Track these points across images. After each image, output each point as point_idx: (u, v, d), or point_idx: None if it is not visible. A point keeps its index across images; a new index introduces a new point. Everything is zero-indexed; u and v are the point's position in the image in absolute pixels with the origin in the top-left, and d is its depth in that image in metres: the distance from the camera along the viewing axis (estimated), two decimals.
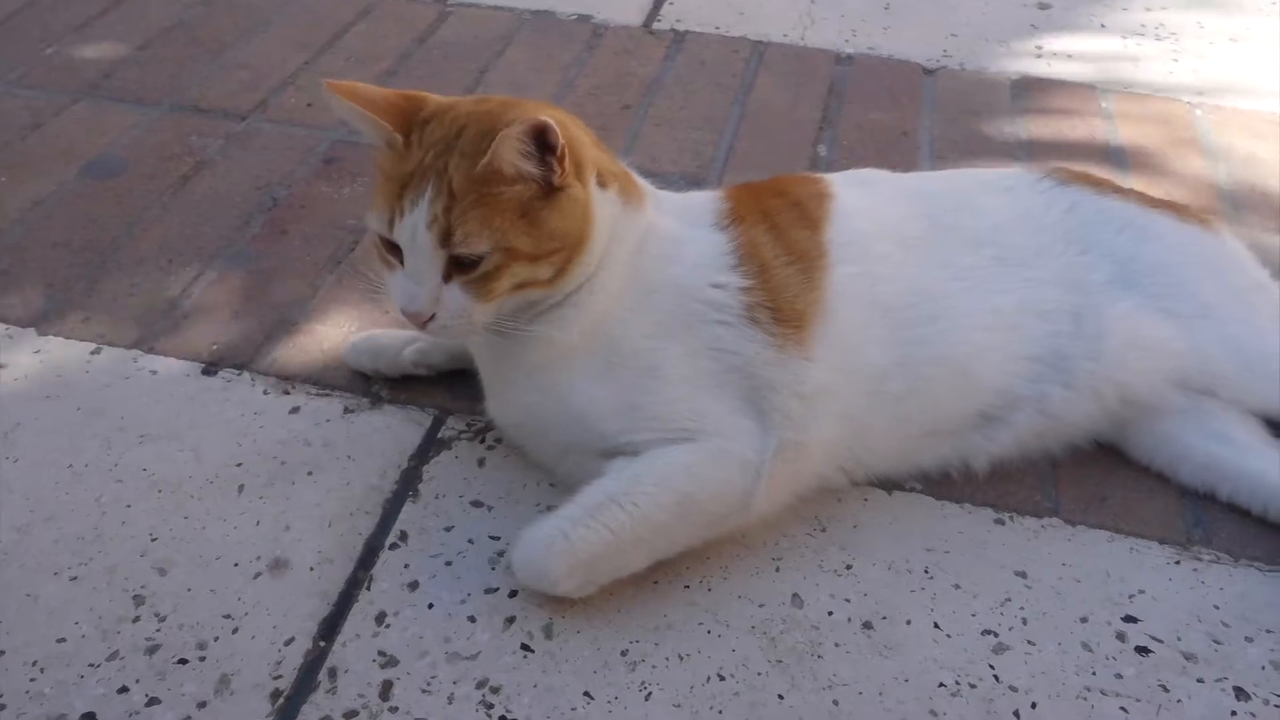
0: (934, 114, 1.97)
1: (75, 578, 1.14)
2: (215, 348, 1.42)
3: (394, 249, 1.09)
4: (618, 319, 1.15)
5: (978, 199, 1.35)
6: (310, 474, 1.26)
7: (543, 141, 1.04)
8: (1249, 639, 1.11)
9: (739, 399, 1.14)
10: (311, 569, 1.15)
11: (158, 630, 1.09)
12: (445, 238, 1.05)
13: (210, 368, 1.40)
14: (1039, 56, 2.16)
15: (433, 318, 1.08)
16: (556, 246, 1.08)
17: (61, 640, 1.08)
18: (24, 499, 1.22)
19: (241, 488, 1.24)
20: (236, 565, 1.15)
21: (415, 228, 1.05)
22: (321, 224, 1.65)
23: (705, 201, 1.26)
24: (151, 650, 1.07)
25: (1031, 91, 2.04)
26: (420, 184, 1.06)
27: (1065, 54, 2.17)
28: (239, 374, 1.39)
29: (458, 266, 1.07)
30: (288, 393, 1.36)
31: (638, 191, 1.20)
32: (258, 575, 1.14)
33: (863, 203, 1.30)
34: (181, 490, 1.23)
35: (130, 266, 1.56)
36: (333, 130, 1.86)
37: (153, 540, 1.18)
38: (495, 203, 1.05)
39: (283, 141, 1.83)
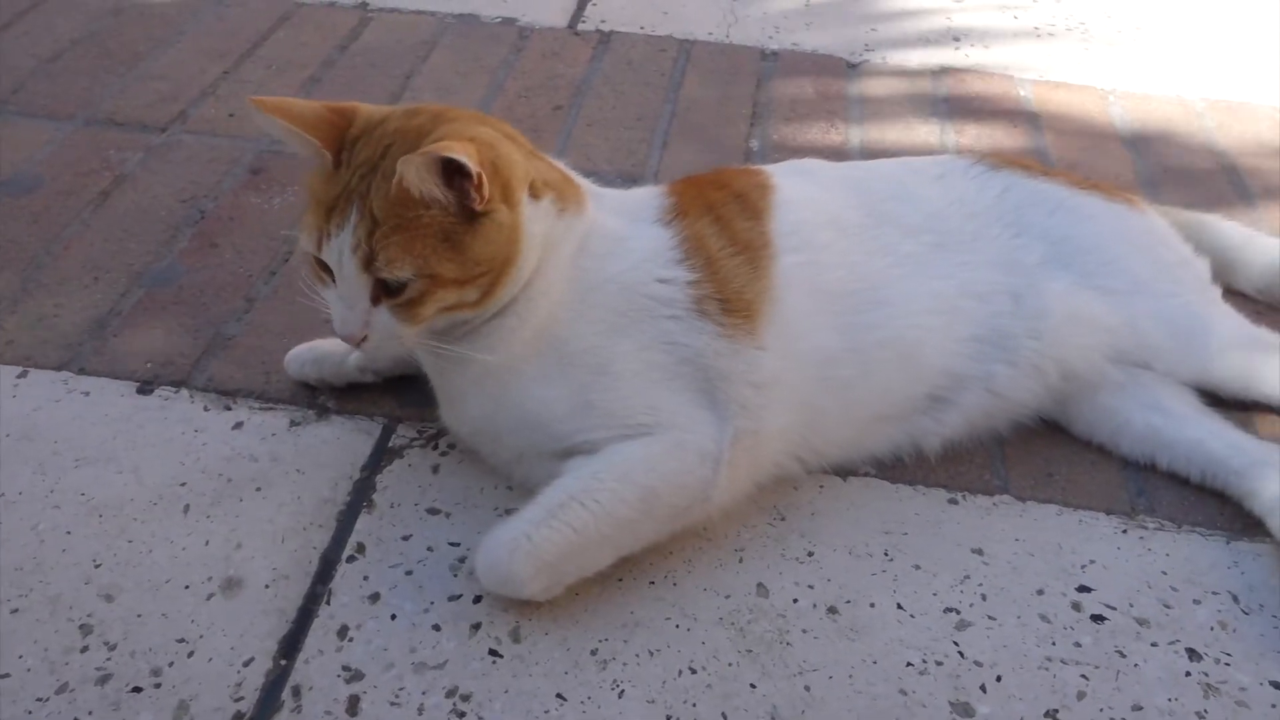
0: (860, 106, 2.00)
1: (16, 610, 1.09)
2: (149, 366, 1.38)
3: (327, 266, 1.08)
4: (564, 321, 1.14)
5: (913, 187, 1.37)
6: (259, 490, 1.22)
7: (454, 169, 1.02)
8: (1196, 601, 1.15)
9: (693, 390, 1.14)
10: (267, 587, 1.12)
11: (108, 659, 1.05)
12: (368, 262, 1.04)
13: (145, 386, 1.35)
14: (957, 48, 2.21)
15: (365, 338, 1.08)
16: (482, 270, 1.07)
17: (4, 676, 1.03)
18: None
19: (187, 508, 1.20)
20: (187, 587, 1.12)
21: (341, 251, 1.05)
22: (253, 235, 1.61)
23: (647, 197, 1.26)
24: (103, 680, 1.03)
25: (952, 82, 2.08)
26: (346, 207, 1.05)
27: (982, 45, 2.22)
28: (176, 391, 1.35)
29: (385, 290, 1.06)
30: (229, 408, 1.33)
31: (576, 194, 1.19)
32: (210, 596, 1.11)
33: (803, 193, 1.31)
34: (124, 513, 1.19)
35: (53, 286, 1.50)
36: (257, 140, 1.81)
37: (96, 566, 1.13)
38: (415, 228, 1.03)
39: (206, 153, 1.78)
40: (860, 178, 1.39)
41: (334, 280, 1.08)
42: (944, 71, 2.11)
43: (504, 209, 1.07)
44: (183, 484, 1.23)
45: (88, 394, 1.34)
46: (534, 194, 1.12)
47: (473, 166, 1.00)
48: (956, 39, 2.25)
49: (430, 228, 1.04)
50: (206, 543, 1.16)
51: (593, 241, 1.17)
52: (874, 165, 1.48)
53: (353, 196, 1.05)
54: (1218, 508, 1.25)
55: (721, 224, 1.22)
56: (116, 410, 1.31)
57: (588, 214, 1.18)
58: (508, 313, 1.12)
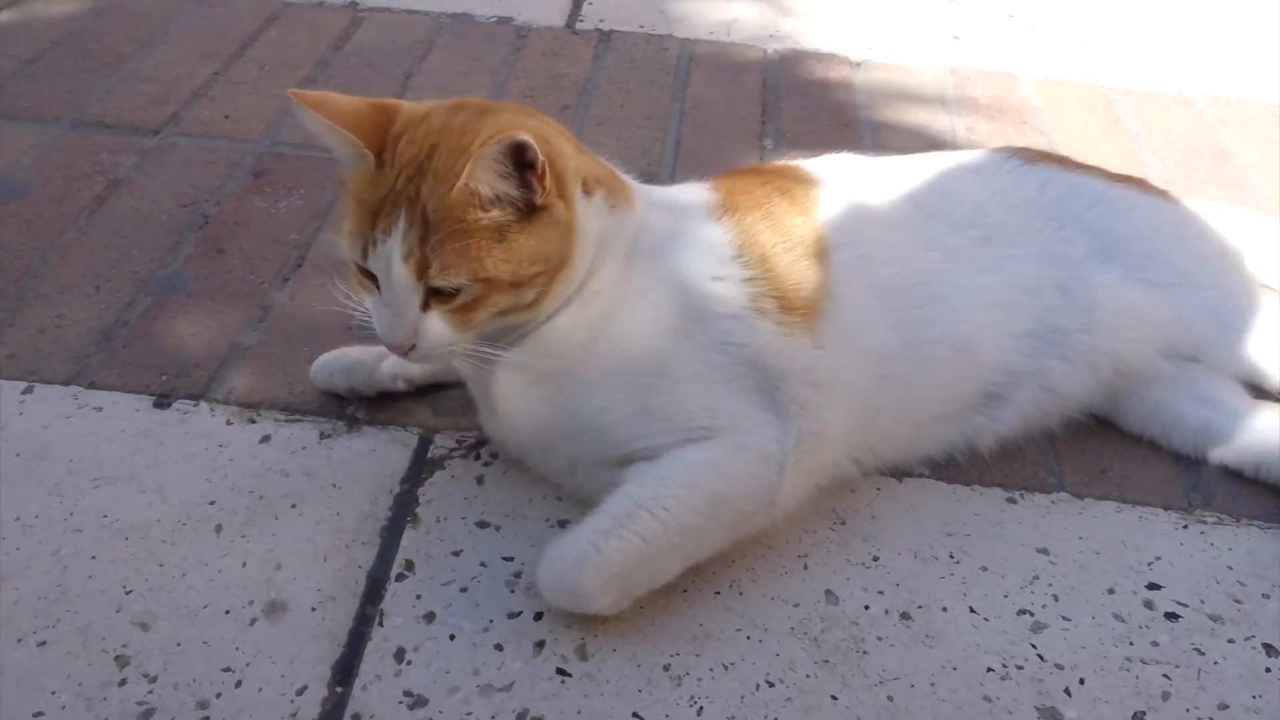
0: (869, 104, 1.97)
1: (44, 642, 1.01)
2: (164, 378, 1.31)
3: (370, 273, 1.02)
4: (619, 321, 1.09)
5: (953, 180, 1.35)
6: (294, 506, 1.16)
7: (520, 160, 0.97)
8: (1266, 596, 1.13)
9: (753, 392, 1.10)
10: (313, 609, 1.06)
11: (149, 693, 0.98)
12: (422, 270, 0.98)
13: (162, 400, 1.28)
14: (957, 46, 2.20)
15: (413, 346, 1.02)
16: (538, 271, 1.02)
17: (38, 715, 0.95)
18: None
19: (219, 527, 1.13)
20: (228, 612, 1.05)
21: (390, 259, 0.98)
22: (261, 240, 1.54)
23: (694, 193, 1.22)
24: (146, 715, 0.96)
25: (956, 79, 2.07)
26: (393, 211, 0.99)
27: (982, 42, 2.21)
28: (195, 405, 1.27)
29: (436, 295, 1.00)
30: (254, 421, 1.26)
31: (625, 191, 1.14)
32: (254, 621, 1.04)
33: (847, 187, 1.28)
34: (151, 535, 1.12)
35: (52, 296, 1.42)
36: (257, 141, 1.74)
37: (127, 593, 1.06)
38: (471, 232, 0.98)
39: (203, 156, 1.71)
40: (900, 172, 1.36)
41: (378, 287, 1.02)
42: (948, 67, 2.10)
43: (560, 204, 1.02)
44: (212, 502, 1.16)
45: (100, 409, 1.26)
46: (586, 190, 1.07)
47: (538, 153, 0.95)
48: (956, 37, 2.23)
49: (486, 230, 0.99)
50: (244, 564, 1.09)
51: (644, 239, 1.13)
52: (912, 159, 1.45)
53: (400, 200, 0.99)
54: (1273, 501, 1.24)
55: (772, 220, 1.18)
56: (133, 426, 1.24)
57: (637, 211, 1.14)
58: (561, 315, 1.07)
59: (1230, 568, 1.16)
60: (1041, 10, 2.38)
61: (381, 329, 1.03)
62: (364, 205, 1.01)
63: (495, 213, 0.98)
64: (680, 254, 1.13)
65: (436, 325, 1.02)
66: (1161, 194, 1.43)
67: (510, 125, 1.00)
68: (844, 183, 1.29)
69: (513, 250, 1.00)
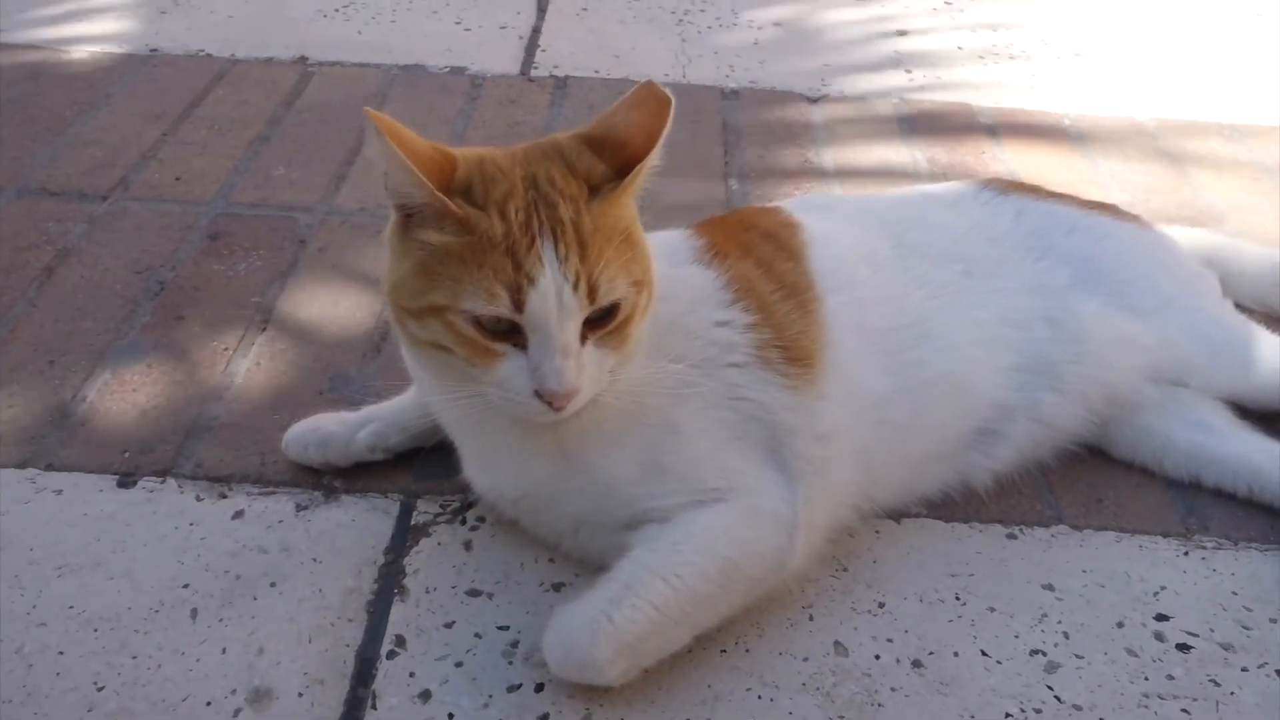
0: (828, 138, 1.97)
1: None
2: (127, 455, 1.24)
3: (498, 335, 0.94)
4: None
5: (931, 215, 1.34)
6: (273, 585, 1.10)
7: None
8: (1273, 620, 1.12)
9: (760, 449, 1.07)
10: (300, 695, 1.00)
11: None
12: (593, 295, 0.93)
13: (127, 478, 1.21)
14: (910, 80, 2.21)
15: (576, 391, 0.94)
16: (642, 255, 0.99)
17: None
18: None
19: (195, 612, 1.07)
20: (209, 704, 0.99)
21: (559, 293, 0.91)
22: (221, 304, 1.48)
23: (678, 239, 1.19)
24: None
25: (913, 111, 2.08)
26: (532, 246, 0.91)
27: (934, 75, 2.23)
28: (162, 482, 1.21)
29: (588, 324, 0.95)
30: (225, 496, 1.20)
31: None
32: (238, 711, 0.98)
33: (829, 228, 1.26)
34: (122, 625, 1.05)
35: (2, 375, 1.35)
36: (211, 203, 1.69)
37: (99, 690, 0.99)
38: (614, 236, 0.95)
39: (156, 220, 1.65)
40: (877, 209, 1.36)
41: (516, 346, 0.94)
42: (903, 102, 2.11)
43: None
44: (185, 585, 1.10)
45: (60, 492, 1.19)
46: None
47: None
48: (908, 72, 2.25)
49: (619, 229, 0.96)
50: (224, 650, 1.03)
51: None
52: (886, 195, 1.45)
53: (530, 236, 0.92)
54: (1269, 522, 1.23)
55: (763, 266, 1.15)
56: (97, 508, 1.18)
57: None
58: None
59: (1235, 593, 1.15)
60: (990, 43, 2.40)
61: (551, 381, 0.92)
62: (481, 252, 0.92)
63: (624, 210, 0.97)
64: (679, 298, 1.09)
65: (595, 356, 0.95)
66: (1134, 219, 1.44)
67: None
68: (824, 224, 1.27)
69: (630, 241, 0.97)
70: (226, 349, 1.41)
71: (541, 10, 2.44)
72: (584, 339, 0.94)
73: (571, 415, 0.95)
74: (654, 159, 0.96)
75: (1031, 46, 2.39)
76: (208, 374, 1.36)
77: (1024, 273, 1.29)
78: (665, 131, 0.96)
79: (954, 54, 2.35)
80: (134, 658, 1.02)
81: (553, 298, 0.91)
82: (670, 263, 1.13)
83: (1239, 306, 1.49)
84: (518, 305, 0.91)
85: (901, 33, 2.43)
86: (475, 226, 0.92)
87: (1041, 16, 2.54)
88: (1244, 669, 1.07)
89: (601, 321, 0.95)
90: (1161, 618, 1.12)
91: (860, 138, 1.98)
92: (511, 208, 0.93)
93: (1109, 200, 1.55)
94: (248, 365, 1.38)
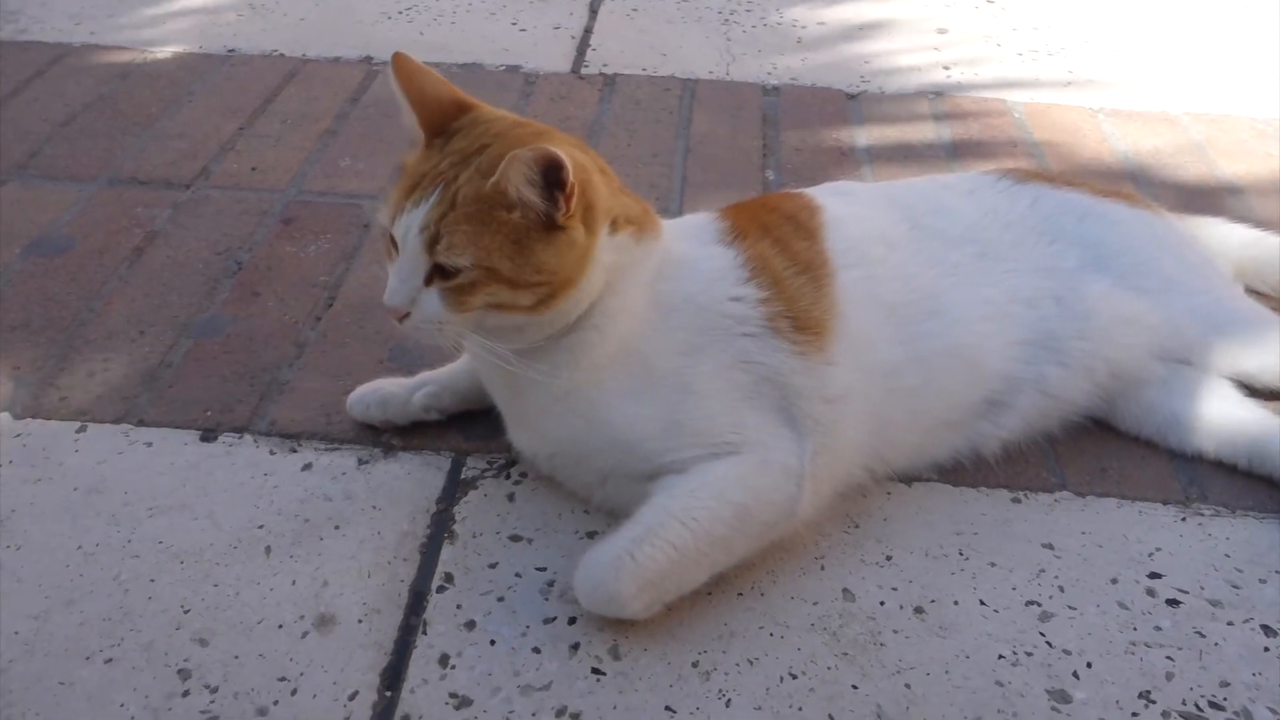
0: (866, 134, 2.06)
1: (110, 659, 1.08)
2: (209, 414, 1.38)
3: (396, 246, 1.12)
4: (647, 338, 1.16)
5: (948, 201, 1.42)
6: (337, 528, 1.23)
7: (553, 176, 1.05)
8: (1263, 580, 1.19)
9: (772, 409, 1.17)
10: (360, 621, 1.12)
11: (211, 702, 1.04)
12: (432, 244, 1.07)
13: (208, 434, 1.35)
14: (948, 77, 2.29)
15: (407, 315, 1.10)
16: (541, 280, 1.09)
17: None
18: (35, 586, 1.15)
19: (268, 549, 1.20)
20: (281, 627, 1.12)
21: (409, 228, 1.08)
22: (293, 283, 1.62)
23: (704, 221, 1.30)
24: None
25: (949, 107, 2.15)
26: (428, 188, 1.09)
27: (972, 72, 2.30)
28: (240, 437, 1.35)
29: (440, 273, 1.09)
30: (295, 450, 1.33)
31: (654, 223, 1.22)
32: (305, 634, 1.11)
33: (848, 211, 1.35)
34: (205, 558, 1.19)
35: (99, 341, 1.50)
36: (284, 191, 1.83)
37: (185, 612, 1.13)
38: (490, 223, 1.07)
39: (235, 206, 1.80)
40: (897, 195, 1.44)
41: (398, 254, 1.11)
42: (940, 98, 2.19)
43: (581, 230, 1.10)
44: (260, 526, 1.23)
45: (150, 445, 1.34)
46: (614, 228, 1.15)
47: (571, 174, 1.04)
48: (946, 68, 2.33)
49: (505, 227, 1.07)
50: (293, 582, 1.16)
51: (666, 266, 1.20)
52: (907, 183, 1.53)
53: (438, 180, 1.09)
54: (1267, 492, 1.30)
55: (780, 245, 1.25)
56: (182, 459, 1.31)
57: (663, 241, 1.21)
58: (586, 327, 1.14)
59: (1228, 555, 1.22)
60: (1028, 39, 2.47)
61: (386, 292, 1.11)
62: (408, 178, 1.12)
63: (517, 215, 1.06)
64: (699, 276, 1.20)
65: (432, 301, 1.09)
66: (1149, 206, 1.50)
67: (560, 144, 1.09)
68: (845, 207, 1.37)
69: (523, 253, 1.08)
70: (297, 322, 1.54)
71: (593, 11, 2.57)
72: (430, 281, 1.09)
73: (414, 335, 1.12)
74: (504, 184, 1.06)
75: (1072, 42, 2.45)
76: (280, 344, 1.50)
77: (1035, 255, 1.37)
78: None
79: (993, 50, 2.41)
80: (215, 586, 1.16)
81: (405, 228, 1.09)
82: (695, 242, 1.24)
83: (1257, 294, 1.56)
84: (392, 222, 1.11)
85: (942, 30, 2.51)
86: (425, 158, 1.11)
87: (1083, 14, 2.59)
88: (1229, 623, 1.14)
89: (447, 276, 1.08)
90: (1155, 575, 1.20)
91: (895, 131, 2.06)
92: (451, 158, 1.10)
93: (1138, 192, 1.61)
94: (315, 336, 1.52)
